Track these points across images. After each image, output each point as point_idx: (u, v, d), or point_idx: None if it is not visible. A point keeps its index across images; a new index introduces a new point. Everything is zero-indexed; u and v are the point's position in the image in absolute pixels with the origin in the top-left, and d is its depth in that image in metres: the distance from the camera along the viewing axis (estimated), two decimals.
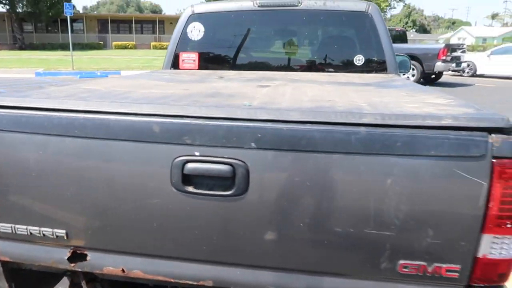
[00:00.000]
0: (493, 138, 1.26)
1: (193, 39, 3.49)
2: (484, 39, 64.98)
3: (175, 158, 1.38)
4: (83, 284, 1.72)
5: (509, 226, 1.31)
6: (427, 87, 2.13)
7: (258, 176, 1.36)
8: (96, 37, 44.35)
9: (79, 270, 1.56)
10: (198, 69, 3.50)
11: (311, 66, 3.39)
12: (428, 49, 15.80)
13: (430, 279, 1.38)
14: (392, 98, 1.80)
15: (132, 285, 1.91)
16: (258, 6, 3.36)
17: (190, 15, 3.48)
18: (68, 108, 1.45)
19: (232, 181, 1.36)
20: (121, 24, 46.41)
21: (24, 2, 39.15)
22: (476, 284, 1.39)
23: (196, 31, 3.48)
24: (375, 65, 3.29)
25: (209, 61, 3.50)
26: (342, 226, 1.36)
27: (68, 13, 16.70)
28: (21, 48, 39.04)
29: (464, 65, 17.56)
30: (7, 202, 1.54)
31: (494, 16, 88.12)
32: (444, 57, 14.89)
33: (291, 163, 1.34)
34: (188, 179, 1.38)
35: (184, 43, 3.51)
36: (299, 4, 3.31)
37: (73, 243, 1.54)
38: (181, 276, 1.51)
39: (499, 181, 1.27)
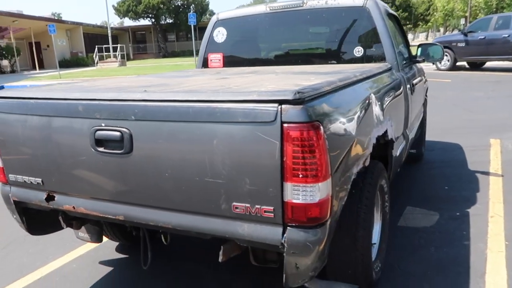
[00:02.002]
0: (283, 107, 1.68)
1: (218, 41, 4.16)
2: None
3: (91, 128, 2.06)
4: (60, 219, 2.51)
5: (301, 176, 1.70)
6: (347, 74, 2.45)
7: (138, 139, 1.97)
8: None
9: (51, 207, 2.35)
10: (222, 67, 4.15)
11: (315, 59, 3.79)
12: None
13: (256, 218, 1.83)
14: (289, 80, 2.24)
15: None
16: (270, 10, 3.89)
17: (216, 21, 4.16)
18: (33, 96, 2.24)
19: (122, 143, 1.99)
20: None
21: (166, 15, 44.14)
22: (290, 224, 1.79)
23: (220, 35, 4.14)
24: (373, 55, 3.57)
25: (231, 59, 4.13)
26: (191, 175, 1.89)
27: (191, 22, 18.74)
28: (164, 56, 44.12)
29: None
30: (12, 161, 2.39)
31: None
32: None
33: (156, 130, 1.92)
34: (99, 142, 2.05)
35: (212, 45, 4.20)
36: (304, 4, 3.74)
37: (47, 188, 2.33)
38: (106, 212, 2.19)
39: (288, 141, 1.68)
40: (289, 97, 1.67)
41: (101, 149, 2.06)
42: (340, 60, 3.71)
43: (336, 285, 2.26)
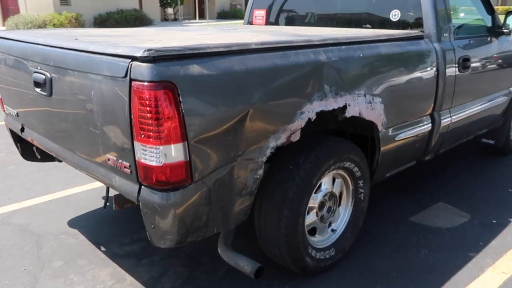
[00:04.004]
0: (132, 64, 1.69)
1: None
2: None
3: (32, 70, 2.32)
4: (34, 149, 2.90)
5: (144, 136, 1.71)
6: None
7: (55, 84, 2.17)
8: None
9: (24, 138, 2.73)
10: (265, 24, 4.10)
11: (350, 22, 3.50)
12: None
13: (121, 173, 1.91)
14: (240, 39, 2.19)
15: None
16: None
17: None
18: (9, 37, 2.58)
19: (46, 86, 2.22)
20: None
21: None
22: (143, 183, 1.83)
23: None
24: (410, 21, 3.16)
25: (272, 16, 4.04)
26: (83, 124, 2.03)
27: None
28: None
29: None
30: (3, 94, 2.82)
31: None
32: None
33: (64, 76, 2.09)
34: (36, 84, 2.31)
35: (257, 1, 4.16)
36: None
37: (20, 120, 2.71)
38: (47, 148, 2.48)
39: (134, 98, 1.70)
40: (138, 54, 1.67)
41: (38, 90, 2.32)
42: (374, 24, 3.36)
43: (239, 258, 2.23)
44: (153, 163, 1.75)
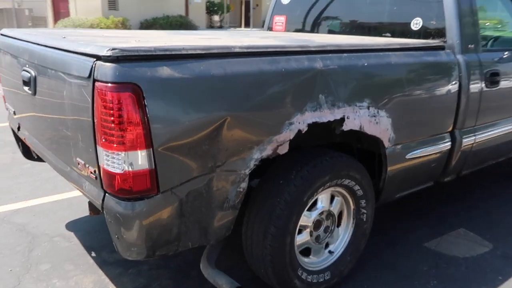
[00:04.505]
0: (96, 64, 1.60)
1: (284, 3, 3.97)
2: None
3: (21, 68, 2.29)
4: (32, 151, 2.87)
5: (104, 141, 1.61)
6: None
7: (39, 83, 2.11)
8: None
9: (20, 137, 2.71)
10: (284, 30, 3.96)
11: (370, 30, 3.30)
12: None
13: (89, 178, 1.82)
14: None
15: None
16: None
17: None
18: (8, 35, 2.57)
19: (30, 85, 2.17)
20: None
21: None
22: (108, 191, 1.72)
23: None
24: (432, 30, 2.94)
25: (292, 23, 3.90)
26: (60, 125, 1.96)
27: None
28: None
29: None
30: (4, 92, 2.82)
31: None
32: None
33: (45, 75, 2.03)
34: (24, 82, 2.27)
35: (278, 7, 4.03)
36: None
37: (17, 119, 2.69)
38: (35, 148, 2.44)
39: (97, 100, 1.60)
40: (102, 53, 1.57)
41: (26, 88, 2.28)
42: (395, 33, 3.15)
43: (219, 276, 2.09)
44: (116, 170, 1.64)
